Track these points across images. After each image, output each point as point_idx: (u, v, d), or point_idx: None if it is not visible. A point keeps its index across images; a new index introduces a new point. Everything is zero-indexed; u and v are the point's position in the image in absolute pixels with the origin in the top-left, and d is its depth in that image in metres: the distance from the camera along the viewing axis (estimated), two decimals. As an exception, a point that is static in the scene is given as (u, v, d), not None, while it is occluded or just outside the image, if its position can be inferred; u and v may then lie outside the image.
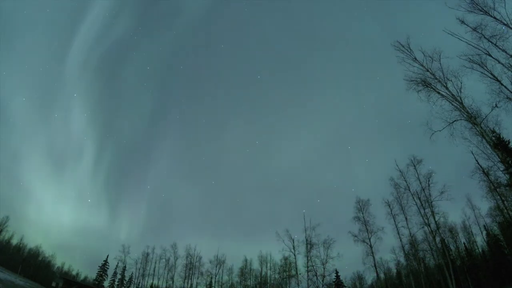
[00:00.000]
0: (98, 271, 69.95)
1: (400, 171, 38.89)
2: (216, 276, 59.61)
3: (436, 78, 23.47)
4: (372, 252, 40.99)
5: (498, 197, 32.91)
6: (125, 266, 67.87)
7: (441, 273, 34.99)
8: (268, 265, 57.51)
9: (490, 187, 31.53)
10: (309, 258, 47.44)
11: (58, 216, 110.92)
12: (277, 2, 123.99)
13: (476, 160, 28.96)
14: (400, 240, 39.45)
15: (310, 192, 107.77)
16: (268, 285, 55.50)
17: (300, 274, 49.04)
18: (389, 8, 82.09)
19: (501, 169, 25.40)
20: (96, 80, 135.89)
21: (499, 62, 20.65)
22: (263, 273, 57.55)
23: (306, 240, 47.71)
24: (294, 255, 48.76)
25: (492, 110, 21.54)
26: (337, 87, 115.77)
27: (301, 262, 48.88)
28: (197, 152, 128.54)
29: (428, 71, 24.02)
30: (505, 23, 19.76)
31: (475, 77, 22.08)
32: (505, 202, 32.87)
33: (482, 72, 21.38)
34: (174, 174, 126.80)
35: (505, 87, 20.52)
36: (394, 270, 50.51)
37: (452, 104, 22.68)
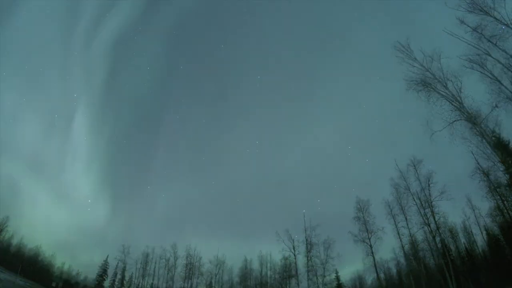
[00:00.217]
0: (98, 271, 69.97)
1: (400, 171, 39.06)
2: (216, 276, 59.68)
3: (436, 78, 23.52)
4: (372, 252, 41.23)
5: (498, 197, 32.83)
6: (125, 266, 67.77)
7: (441, 274, 34.92)
8: (268, 265, 57.51)
9: (490, 187, 31.48)
10: (309, 258, 47.85)
11: (57, 215, 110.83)
12: (277, 2, 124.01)
13: (476, 160, 28.95)
14: (400, 240, 39.60)
15: (310, 192, 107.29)
16: (268, 285, 55.49)
17: (300, 274, 49.37)
18: (389, 8, 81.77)
19: (501, 169, 25.54)
20: (96, 80, 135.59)
21: (499, 62, 20.73)
22: (263, 273, 57.53)
23: (306, 240, 48.11)
24: (294, 255, 49.15)
25: (492, 110, 21.67)
26: (337, 87, 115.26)
27: (301, 262, 49.11)
28: (197, 152, 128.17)
29: (428, 71, 24.07)
30: (505, 23, 19.81)
31: (475, 77, 22.19)
32: (505, 202, 32.82)
33: (482, 72, 21.49)
34: (174, 174, 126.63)
35: (505, 87, 20.58)
36: (394, 270, 50.58)
37: (452, 104, 22.71)
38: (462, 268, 38.24)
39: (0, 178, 77.05)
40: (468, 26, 21.41)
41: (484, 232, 39.70)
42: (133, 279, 66.70)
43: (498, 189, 31.48)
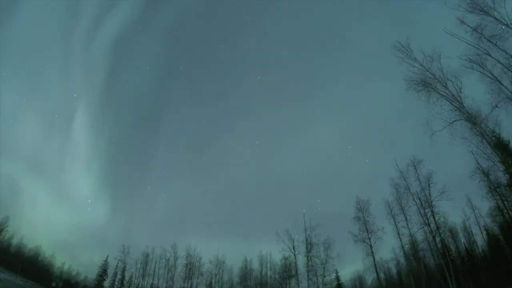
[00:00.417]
0: (98, 271, 69.96)
1: (400, 171, 39.04)
2: (216, 276, 59.67)
3: (436, 78, 23.52)
4: (372, 252, 41.24)
5: (498, 197, 32.85)
6: (125, 266, 67.76)
7: (441, 274, 34.94)
8: (268, 265, 57.50)
9: (490, 187, 31.48)
10: (309, 258, 47.86)
11: (57, 215, 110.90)
12: (277, 2, 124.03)
13: (476, 160, 28.94)
14: (400, 240, 39.58)
15: (310, 192, 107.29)
16: (268, 285, 55.45)
17: (300, 274, 49.34)
18: (389, 8, 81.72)
19: (501, 169, 25.54)
20: (96, 80, 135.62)
21: (499, 62, 20.72)
22: (263, 273, 57.50)
23: (306, 240, 48.14)
24: (294, 255, 49.15)
25: (492, 110, 21.67)
26: (337, 87, 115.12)
27: (301, 262, 49.11)
28: (197, 152, 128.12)
29: (428, 71, 24.07)
30: (505, 23, 19.80)
31: (475, 77, 22.19)
32: (505, 202, 32.83)
33: (482, 72, 21.49)
34: (174, 174, 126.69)
35: (505, 87, 20.58)
36: (394, 270, 50.54)
37: (452, 104, 22.71)
38: (462, 268, 38.24)
39: (0, 178, 77.33)
40: (468, 26, 21.43)
41: (484, 232, 39.71)
42: (133, 279, 66.71)
43: (498, 189, 31.48)
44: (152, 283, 64.09)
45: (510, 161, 23.93)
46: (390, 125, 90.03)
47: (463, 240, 42.66)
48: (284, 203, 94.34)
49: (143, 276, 65.15)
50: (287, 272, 51.96)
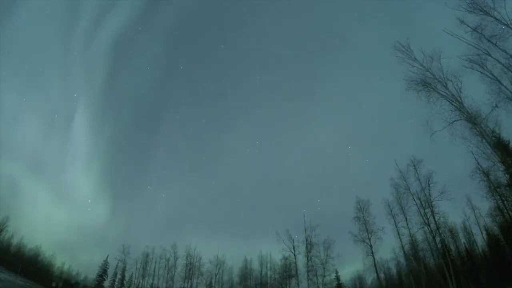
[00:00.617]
0: (98, 271, 69.98)
1: (400, 171, 39.01)
2: (216, 276, 59.68)
3: (436, 78, 23.56)
4: (372, 252, 41.21)
5: (498, 197, 32.87)
6: (125, 266, 67.79)
7: (441, 273, 34.95)
8: (268, 265, 57.49)
9: (490, 187, 31.49)
10: (309, 258, 47.83)
11: (57, 215, 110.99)
12: (277, 2, 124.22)
13: (476, 160, 28.95)
14: (400, 240, 39.55)
15: (310, 192, 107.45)
16: (268, 285, 55.44)
17: (300, 274, 49.29)
18: (389, 8, 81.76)
19: (501, 169, 25.60)
20: (96, 80, 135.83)
21: (499, 62, 20.77)
22: (263, 273, 57.47)
23: (306, 240, 48.13)
24: (294, 255, 49.13)
25: (492, 110, 21.74)
26: (337, 87, 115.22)
27: (301, 262, 49.09)
28: (197, 152, 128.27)
29: (428, 71, 24.11)
30: (505, 23, 19.84)
31: (475, 77, 22.23)
32: (505, 202, 32.86)
33: (482, 72, 21.55)
34: (174, 174, 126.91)
35: (505, 87, 20.63)
36: (394, 270, 50.47)
37: (452, 104, 22.74)
38: (462, 268, 38.27)
39: (0, 178, 77.37)
40: (468, 26, 21.45)
41: (484, 232, 39.73)
42: (133, 279, 66.73)
43: (498, 189, 31.51)
44: (152, 283, 64.12)
45: (510, 161, 23.97)
46: (390, 125, 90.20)
47: (463, 240, 42.74)
48: (284, 203, 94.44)
49: (143, 276, 65.21)
50: (287, 272, 51.93)
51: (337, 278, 50.71)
